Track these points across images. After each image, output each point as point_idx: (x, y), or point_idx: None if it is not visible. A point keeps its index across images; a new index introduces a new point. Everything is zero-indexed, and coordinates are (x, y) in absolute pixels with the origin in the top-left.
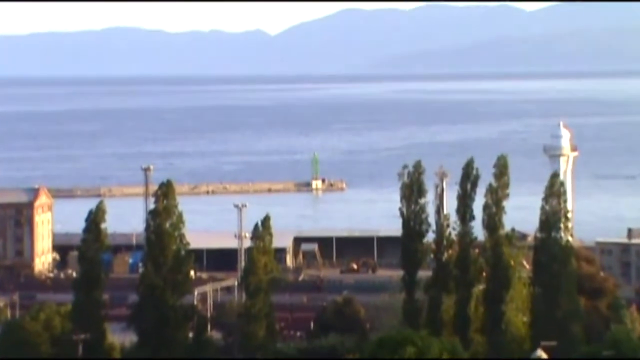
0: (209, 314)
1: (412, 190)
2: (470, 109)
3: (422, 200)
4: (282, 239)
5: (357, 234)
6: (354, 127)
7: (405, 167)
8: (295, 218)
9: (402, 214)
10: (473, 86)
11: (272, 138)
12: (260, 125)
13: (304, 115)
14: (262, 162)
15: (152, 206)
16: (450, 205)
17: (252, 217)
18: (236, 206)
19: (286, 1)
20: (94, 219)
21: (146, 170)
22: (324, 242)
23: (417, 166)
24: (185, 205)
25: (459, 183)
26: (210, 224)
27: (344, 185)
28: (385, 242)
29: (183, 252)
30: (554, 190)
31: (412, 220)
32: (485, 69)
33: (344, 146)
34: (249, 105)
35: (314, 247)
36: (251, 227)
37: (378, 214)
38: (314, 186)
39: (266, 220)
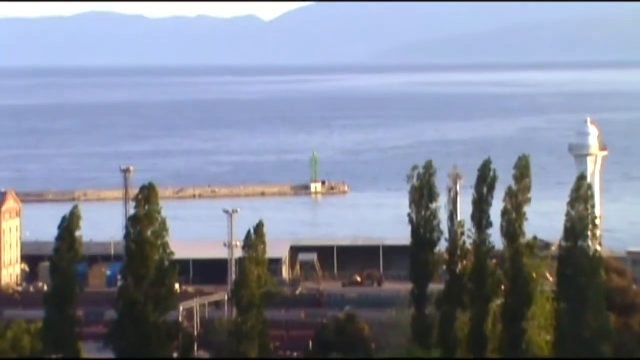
0: (195, 332)
1: (423, 194)
2: (487, 103)
3: (433, 205)
4: (277, 249)
5: (361, 242)
6: (357, 123)
7: (415, 168)
8: (292, 225)
9: (411, 220)
10: (489, 78)
11: (267, 136)
12: (253, 121)
13: (302, 111)
14: (255, 163)
15: (132, 212)
16: (465, 210)
17: (244, 224)
18: (226, 212)
19: None
20: (68, 226)
21: (126, 171)
22: (324, 252)
23: (428, 167)
24: (169, 210)
25: (474, 186)
26: (197, 231)
27: (346, 189)
28: (393, 251)
29: (167, 263)
30: (580, 194)
31: (423, 228)
32: (502, 58)
33: (346, 145)
34: (240, 100)
35: (313, 257)
36: (243, 235)
37: (384, 220)
38: (312, 189)
39: (259, 227)
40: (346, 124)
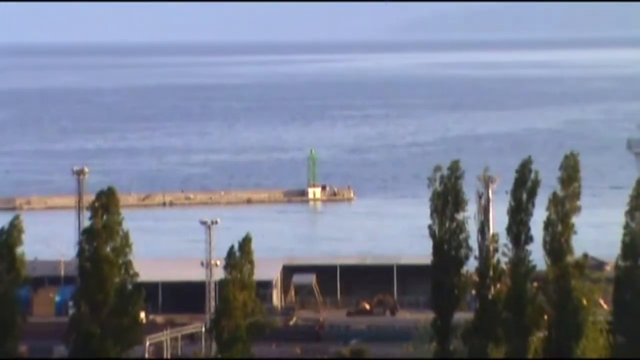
0: None
1: (447, 201)
2: (525, 89)
3: (460, 215)
4: (266, 269)
5: (369, 261)
6: (365, 114)
7: (437, 169)
8: (284, 239)
9: (432, 233)
10: (527, 57)
11: (254, 129)
12: (236, 111)
13: (297, 98)
14: (239, 163)
15: (87, 223)
16: (499, 221)
17: (226, 238)
18: (204, 223)
19: None
20: (6, 240)
21: (79, 173)
22: (325, 273)
23: (454, 168)
24: (133, 221)
25: (511, 191)
26: (168, 247)
27: (352, 195)
28: (409, 272)
29: (130, 287)
30: None
31: (447, 243)
32: (541, 33)
33: (351, 141)
34: (221, 84)
35: (311, 279)
36: (224, 252)
37: (399, 233)
38: (310, 195)
39: (245, 242)
40: (351, 115)
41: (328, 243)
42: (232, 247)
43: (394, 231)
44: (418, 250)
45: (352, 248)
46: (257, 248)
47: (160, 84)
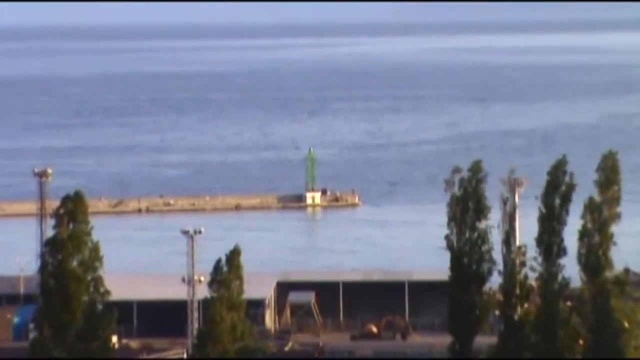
0: None
1: (467, 207)
2: (557, 78)
3: (482, 224)
4: (258, 285)
5: (377, 277)
6: (370, 106)
7: (456, 170)
8: (279, 251)
9: (450, 245)
10: (558, 41)
11: (243, 125)
12: (224, 104)
13: (292, 88)
14: (226, 164)
15: (50, 233)
16: (527, 231)
17: (212, 251)
18: (185, 233)
19: None
20: None
21: (41, 175)
22: (325, 290)
23: (476, 169)
24: (104, 231)
25: (541, 196)
26: (144, 261)
27: (356, 200)
28: (423, 289)
29: (100, 307)
30: None
31: (467, 256)
32: (575, 14)
33: (355, 138)
34: (204, 73)
35: (309, 298)
36: (210, 267)
37: (411, 244)
38: (309, 201)
39: (234, 255)
40: (356, 108)
41: (329, 256)
42: (218, 261)
43: (405, 242)
44: (433, 264)
45: (356, 261)
46: (248, 262)
47: (136, 72)
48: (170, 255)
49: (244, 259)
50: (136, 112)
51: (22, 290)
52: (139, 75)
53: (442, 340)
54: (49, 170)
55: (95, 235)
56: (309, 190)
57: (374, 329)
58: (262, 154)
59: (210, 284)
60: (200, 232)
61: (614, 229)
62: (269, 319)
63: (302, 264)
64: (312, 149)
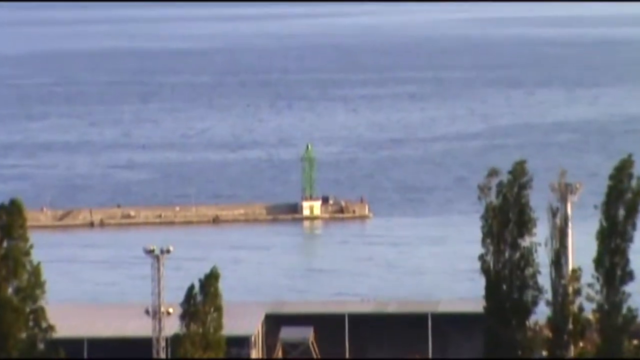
0: None
1: (507, 219)
2: (616, 57)
3: (526, 241)
4: (242, 319)
5: (393, 307)
6: (382, 93)
7: (493, 173)
8: (269, 275)
9: (485, 267)
10: (620, 9)
11: (223, 116)
12: (197, 89)
13: (286, 70)
14: (201, 165)
15: None
16: (583, 250)
17: (183, 275)
18: (150, 252)
19: None
20: None
21: None
22: (327, 325)
23: (518, 172)
24: (47, 250)
25: (601, 206)
26: (97, 288)
27: (366, 210)
28: (450, 323)
29: (42, 345)
30: None
31: (506, 281)
32: None
33: (363, 131)
34: (176, 49)
35: (306, 334)
36: (180, 296)
37: (435, 267)
38: (306, 211)
39: (211, 280)
40: (364, 95)
41: (332, 281)
42: (191, 288)
43: (427, 264)
44: (463, 291)
45: (366, 288)
46: (228, 289)
47: (86, 50)
48: (131, 281)
49: (223, 285)
50: (87, 99)
51: None
52: (90, 52)
53: None
54: None
55: (36, 256)
56: (306, 199)
57: None
58: (246, 153)
59: (181, 316)
60: (168, 251)
61: None
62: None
63: (298, 292)
64: (309, 146)
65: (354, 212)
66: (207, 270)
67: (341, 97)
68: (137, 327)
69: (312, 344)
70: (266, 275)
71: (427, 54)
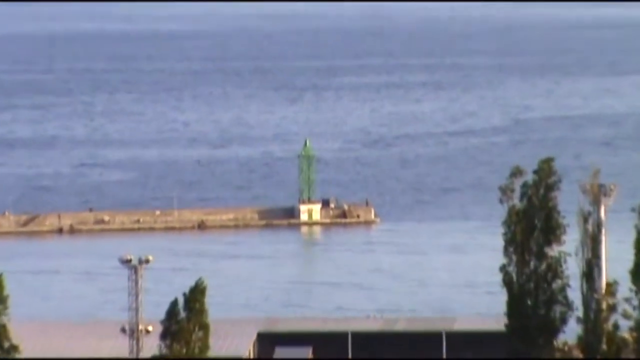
0: None
1: (533, 225)
2: None
3: (553, 250)
4: (232, 338)
5: (401, 325)
6: (391, 81)
7: (516, 172)
8: (261, 289)
9: (507, 279)
10: None
11: (208, 108)
12: (180, 77)
13: (281, 56)
14: (185, 164)
15: None
16: (619, 260)
17: (164, 287)
18: (126, 262)
19: None
20: None
21: None
22: (327, 344)
23: (545, 171)
24: (10, 260)
25: (638, 210)
26: (67, 303)
27: (372, 215)
28: (468, 342)
29: None
30: None
31: (531, 295)
32: None
33: (369, 125)
34: (153, 32)
35: (304, 354)
36: (161, 312)
37: (450, 279)
38: (304, 216)
39: (196, 294)
40: (369, 83)
41: (333, 295)
42: (174, 303)
43: (441, 275)
44: (482, 307)
45: (372, 303)
46: (216, 304)
47: (49, 31)
48: (105, 295)
49: (210, 300)
50: (54, 88)
51: None
52: (56, 35)
53: None
54: None
55: None
56: (303, 202)
57: None
58: (236, 149)
59: (162, 335)
60: (147, 261)
61: None
62: None
63: (294, 307)
64: (308, 142)
65: (358, 216)
66: (192, 283)
67: (344, 86)
68: (112, 347)
69: None
70: (259, 289)
71: (441, 38)
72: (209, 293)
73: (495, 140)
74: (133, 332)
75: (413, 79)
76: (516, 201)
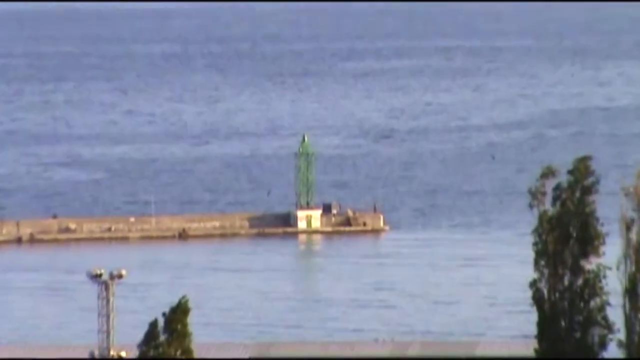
0: None
1: (568, 235)
2: None
3: (591, 263)
4: None
5: (415, 350)
6: (401, 67)
7: (548, 173)
8: (253, 308)
9: (538, 297)
10: None
11: (189, 97)
12: (155, 62)
13: (274, 37)
14: (163, 163)
15: None
16: None
17: (141, 307)
18: (96, 277)
19: None
20: None
21: None
22: None
23: (581, 171)
24: None
25: None
26: (27, 323)
27: (380, 222)
28: None
29: None
30: None
31: (565, 316)
32: None
33: (377, 118)
34: (122, 10)
35: None
36: (138, 335)
37: (471, 296)
38: (302, 223)
39: (178, 314)
40: (377, 70)
41: (335, 315)
42: (152, 324)
43: (461, 292)
44: (509, 329)
45: (380, 324)
46: (201, 326)
47: (10, 10)
48: (71, 315)
49: (194, 320)
50: (11, 74)
51: None
52: (14, 13)
53: None
54: None
55: None
56: (301, 207)
57: None
58: (223, 146)
59: None
60: (120, 276)
61: None
62: None
63: (291, 329)
64: (306, 138)
65: (364, 224)
66: (173, 301)
67: (348, 72)
68: None
69: None
70: (249, 308)
71: (460, 17)
72: (192, 313)
73: (521, 135)
74: (104, 359)
75: (426, 64)
76: (548, 206)
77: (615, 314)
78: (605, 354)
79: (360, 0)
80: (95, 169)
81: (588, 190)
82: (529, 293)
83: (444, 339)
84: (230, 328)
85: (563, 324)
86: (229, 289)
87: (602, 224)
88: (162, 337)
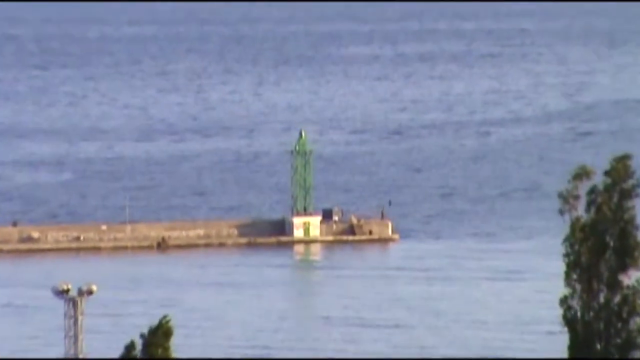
0: None
1: (604, 245)
2: None
3: (629, 277)
4: None
5: None
6: (411, 54)
7: (581, 174)
8: (243, 327)
9: (569, 316)
10: None
11: (172, 87)
12: (138, 46)
13: (272, 20)
14: (142, 161)
15: None
16: None
17: (115, 326)
18: (62, 293)
19: None
20: None
21: None
22: None
23: (619, 172)
24: None
25: None
26: None
27: (389, 230)
28: None
29: None
30: None
31: (601, 337)
32: None
33: (382, 112)
34: None
35: None
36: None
37: (493, 314)
38: (298, 232)
39: (158, 335)
40: (383, 56)
41: (336, 333)
42: (128, 347)
43: (480, 310)
44: (537, 350)
45: (391, 345)
46: (185, 347)
47: None
48: (35, 336)
49: (176, 341)
50: None
51: None
52: None
53: None
54: None
55: None
56: (298, 213)
57: None
58: (207, 143)
59: None
60: (90, 291)
61: None
62: None
63: (286, 351)
64: (304, 134)
65: (370, 232)
66: (152, 321)
67: (351, 58)
68: None
69: None
70: (239, 327)
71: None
72: (175, 333)
73: (549, 131)
74: None
75: (442, 49)
76: (581, 212)
77: None
78: None
79: None
80: (61, 169)
81: (627, 194)
82: (559, 311)
83: (463, 356)
84: (216, 350)
85: (598, 347)
86: (215, 306)
87: None
88: None
